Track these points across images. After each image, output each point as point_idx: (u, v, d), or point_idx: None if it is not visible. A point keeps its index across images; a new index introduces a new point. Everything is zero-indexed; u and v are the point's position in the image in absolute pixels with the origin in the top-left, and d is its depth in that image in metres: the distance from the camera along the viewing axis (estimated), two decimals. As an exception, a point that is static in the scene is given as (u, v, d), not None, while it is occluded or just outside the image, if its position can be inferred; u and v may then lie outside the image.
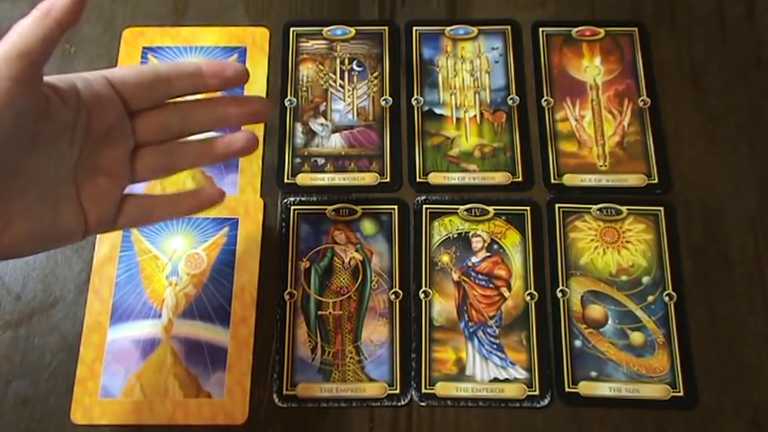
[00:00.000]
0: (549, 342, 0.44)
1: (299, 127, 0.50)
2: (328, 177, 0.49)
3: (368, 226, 0.47)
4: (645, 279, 0.45)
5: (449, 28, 0.53)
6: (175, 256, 0.46)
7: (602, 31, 0.52)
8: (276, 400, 0.43)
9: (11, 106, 0.28)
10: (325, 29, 0.53)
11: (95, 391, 0.43)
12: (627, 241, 0.46)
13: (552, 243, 0.47)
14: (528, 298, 0.45)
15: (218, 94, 0.50)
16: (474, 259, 0.46)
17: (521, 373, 0.43)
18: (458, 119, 0.50)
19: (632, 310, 0.45)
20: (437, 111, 0.50)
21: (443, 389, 0.43)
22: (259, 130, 0.50)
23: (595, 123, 0.50)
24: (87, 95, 0.33)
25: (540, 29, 0.53)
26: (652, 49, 0.52)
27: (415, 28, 0.53)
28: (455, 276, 0.46)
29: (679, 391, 0.43)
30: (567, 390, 0.43)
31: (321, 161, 0.49)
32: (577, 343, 0.44)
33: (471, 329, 0.45)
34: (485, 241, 0.47)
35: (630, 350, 0.44)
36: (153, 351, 0.44)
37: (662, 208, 0.47)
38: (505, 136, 0.50)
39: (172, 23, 0.53)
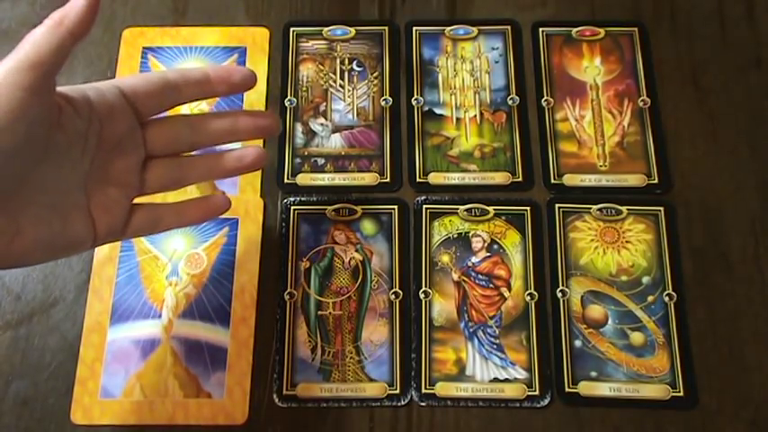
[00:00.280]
0: (549, 342, 0.44)
1: (299, 127, 0.50)
2: (328, 177, 0.49)
3: (368, 226, 0.47)
4: (645, 279, 0.45)
5: (449, 28, 0.53)
6: (175, 256, 0.46)
7: (602, 31, 0.52)
8: (276, 400, 0.43)
9: (24, 116, 0.28)
10: (325, 29, 0.53)
11: (95, 392, 0.43)
12: (627, 241, 0.46)
13: (552, 243, 0.47)
14: (528, 298, 0.45)
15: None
16: (474, 259, 0.46)
17: (521, 373, 0.43)
18: (458, 119, 0.50)
19: (632, 310, 0.45)
20: (437, 111, 0.50)
21: (443, 389, 0.43)
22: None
23: (595, 123, 0.50)
24: (99, 105, 0.33)
25: (540, 29, 0.53)
26: (652, 49, 0.52)
27: (415, 28, 0.53)
28: (455, 276, 0.46)
29: (679, 391, 0.43)
30: (567, 390, 0.43)
31: (321, 161, 0.49)
32: (577, 343, 0.44)
33: (471, 329, 0.45)
34: (485, 241, 0.47)
35: (630, 350, 0.44)
36: (153, 351, 0.44)
37: (662, 208, 0.47)
38: (505, 136, 0.50)
39: (172, 23, 0.53)
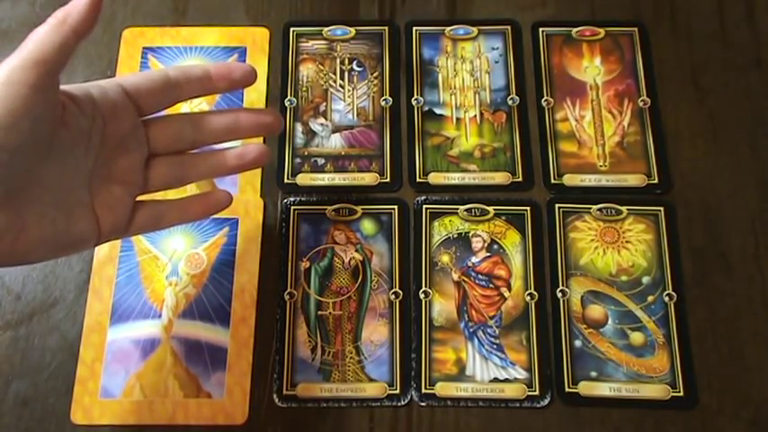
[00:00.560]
0: (549, 342, 0.44)
1: (299, 127, 0.50)
2: (328, 177, 0.49)
3: (368, 226, 0.47)
4: (645, 279, 0.45)
5: (449, 28, 0.53)
6: (175, 256, 0.46)
7: (602, 31, 0.52)
8: (276, 400, 0.43)
9: (28, 113, 0.29)
10: (325, 29, 0.53)
11: (95, 391, 0.43)
12: (627, 241, 0.46)
13: (552, 243, 0.47)
14: (528, 298, 0.45)
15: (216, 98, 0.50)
16: (474, 259, 0.46)
17: (521, 373, 0.43)
18: (458, 119, 0.50)
19: (632, 310, 0.45)
20: (437, 111, 0.50)
21: (443, 389, 0.43)
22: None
23: (595, 123, 0.50)
24: (103, 103, 0.33)
25: (540, 29, 0.53)
26: (652, 49, 0.52)
27: (415, 28, 0.53)
28: (455, 276, 0.46)
29: (679, 391, 0.43)
30: (567, 390, 0.43)
31: (321, 161, 0.49)
32: (577, 343, 0.44)
33: (471, 329, 0.45)
34: (485, 241, 0.47)
35: (630, 350, 0.44)
36: (153, 351, 0.44)
37: (662, 208, 0.47)
38: (505, 136, 0.50)
39: (172, 23, 0.53)
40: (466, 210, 0.47)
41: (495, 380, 0.43)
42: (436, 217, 0.47)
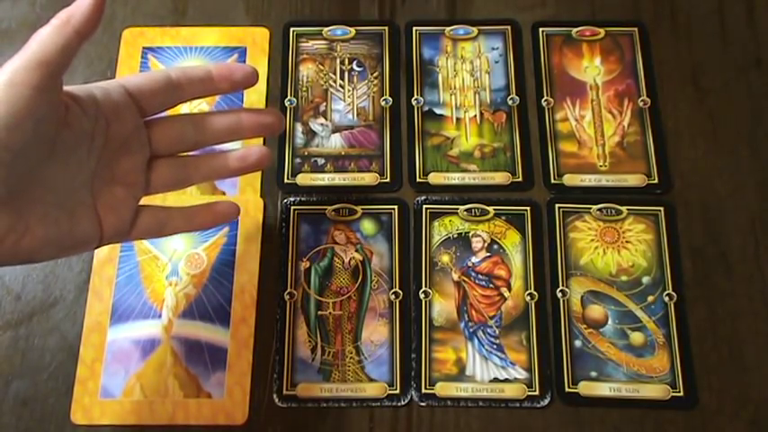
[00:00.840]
0: (549, 342, 0.44)
1: (299, 127, 0.50)
2: (328, 177, 0.49)
3: (368, 226, 0.47)
4: (645, 279, 0.45)
5: (449, 28, 0.53)
6: (175, 256, 0.46)
7: (602, 31, 0.52)
8: (276, 400, 0.43)
9: (31, 114, 0.29)
10: (326, 29, 0.53)
11: (95, 392, 0.43)
12: (627, 241, 0.46)
13: (552, 243, 0.47)
14: (528, 298, 0.45)
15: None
16: (474, 259, 0.46)
17: (521, 373, 0.43)
18: (458, 119, 0.50)
19: (632, 310, 0.45)
20: (437, 111, 0.50)
21: (443, 389, 0.43)
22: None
23: (595, 123, 0.50)
24: (106, 104, 0.33)
25: (540, 29, 0.53)
26: (652, 49, 0.52)
27: (415, 28, 0.53)
28: (455, 276, 0.46)
29: (679, 391, 0.43)
30: (567, 390, 0.43)
31: (321, 161, 0.49)
32: (577, 343, 0.44)
33: (471, 329, 0.45)
34: (485, 241, 0.47)
35: (630, 350, 0.44)
36: (153, 351, 0.44)
37: (662, 208, 0.47)
38: (505, 136, 0.50)
39: (172, 23, 0.53)
40: (466, 210, 0.47)
41: (495, 380, 0.43)
42: (436, 217, 0.47)
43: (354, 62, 0.52)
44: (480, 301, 0.45)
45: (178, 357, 0.44)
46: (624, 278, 0.46)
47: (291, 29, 0.53)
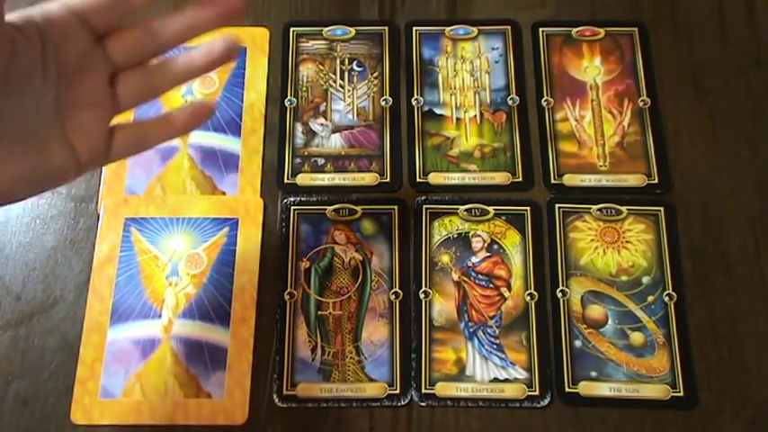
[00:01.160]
0: (549, 342, 0.44)
1: (299, 127, 0.50)
2: (328, 177, 0.49)
3: (368, 226, 0.47)
4: (645, 279, 0.45)
5: (449, 28, 0.53)
6: (175, 256, 0.46)
7: (602, 31, 0.52)
8: (276, 400, 0.43)
9: None
10: (325, 29, 0.53)
11: (95, 391, 0.43)
12: (627, 241, 0.46)
13: (552, 243, 0.47)
14: (528, 298, 0.45)
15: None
16: (474, 259, 0.46)
17: (521, 373, 0.43)
18: (458, 119, 0.50)
19: (632, 310, 0.45)
20: (437, 111, 0.50)
21: (443, 389, 0.43)
22: (259, 130, 0.50)
23: (595, 123, 0.50)
24: (50, 28, 0.31)
25: (540, 29, 0.53)
26: (652, 49, 0.52)
27: (415, 28, 0.53)
28: (455, 276, 0.46)
29: (679, 391, 0.43)
30: (567, 390, 0.43)
31: (321, 161, 0.49)
32: (577, 343, 0.44)
33: (471, 329, 0.45)
34: (485, 241, 0.47)
35: (630, 350, 0.44)
36: (153, 351, 0.44)
37: (662, 208, 0.47)
38: (505, 136, 0.50)
39: (172, 23, 0.53)
40: (466, 210, 0.47)
41: (495, 380, 0.43)
42: (436, 217, 0.47)
43: (354, 62, 0.52)
44: (480, 301, 0.45)
45: (178, 357, 0.44)
46: (624, 278, 0.46)
47: (291, 29, 0.53)
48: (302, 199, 0.48)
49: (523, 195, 0.48)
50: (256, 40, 0.52)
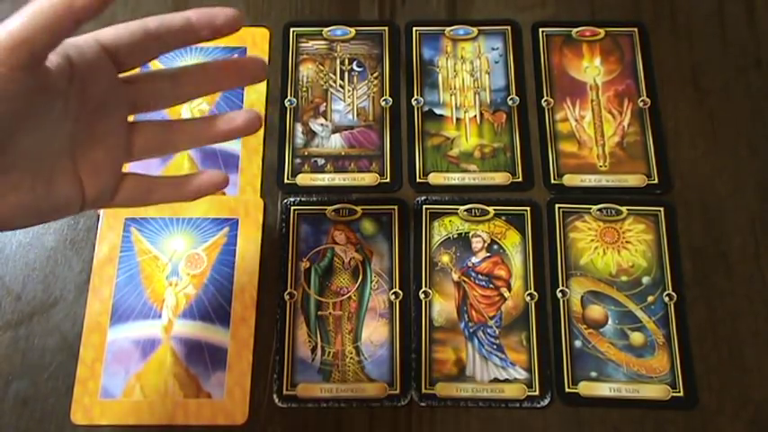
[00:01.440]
0: (549, 342, 0.44)
1: (299, 127, 0.50)
2: (328, 178, 0.49)
3: (368, 226, 0.47)
4: (645, 279, 0.45)
5: (449, 28, 0.53)
6: (175, 256, 0.46)
7: (601, 31, 0.52)
8: (276, 401, 0.43)
9: (5, 92, 0.27)
10: (325, 29, 0.53)
11: (95, 392, 0.43)
12: (627, 241, 0.46)
13: (552, 243, 0.47)
14: (528, 298, 0.45)
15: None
16: (474, 259, 0.46)
17: (521, 374, 0.43)
18: (458, 119, 0.50)
19: (632, 310, 0.45)
20: (437, 111, 0.50)
21: (443, 389, 0.43)
22: (259, 130, 0.50)
23: (595, 124, 0.50)
24: (81, 63, 0.31)
25: (540, 29, 0.53)
26: (652, 49, 0.52)
27: (415, 28, 0.53)
28: (455, 276, 0.46)
29: (679, 391, 0.43)
30: (567, 390, 0.43)
31: (321, 161, 0.49)
32: (577, 343, 0.44)
33: (471, 330, 0.45)
34: (485, 241, 0.47)
35: (630, 350, 0.44)
36: (153, 351, 0.44)
37: (662, 208, 0.47)
38: (505, 136, 0.50)
39: (172, 24, 0.53)
40: (466, 210, 0.47)
41: (495, 380, 0.43)
42: (436, 217, 0.47)
43: (354, 62, 0.52)
44: (480, 302, 0.45)
45: (178, 357, 0.44)
46: (624, 278, 0.46)
47: (291, 29, 0.53)
48: (302, 199, 0.48)
49: (523, 195, 0.48)
50: (256, 40, 0.52)
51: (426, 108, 0.51)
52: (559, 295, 0.45)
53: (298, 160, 0.49)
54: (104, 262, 0.46)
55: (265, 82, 0.51)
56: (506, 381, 0.43)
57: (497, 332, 0.44)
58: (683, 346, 0.44)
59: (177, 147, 0.37)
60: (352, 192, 0.48)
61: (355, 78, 0.52)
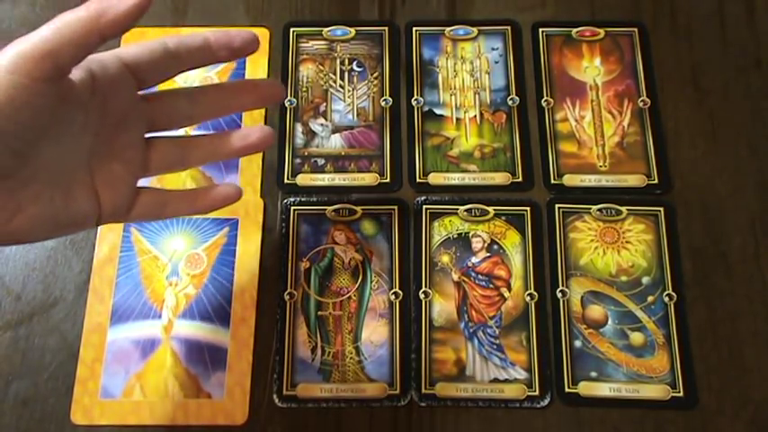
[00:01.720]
0: (549, 342, 0.44)
1: (299, 127, 0.50)
2: (328, 178, 0.49)
3: (368, 226, 0.47)
4: (645, 279, 0.45)
5: (449, 28, 0.53)
6: (175, 256, 0.46)
7: (601, 31, 0.52)
8: (276, 401, 0.43)
9: (29, 104, 0.27)
10: (325, 29, 0.53)
11: (95, 392, 0.43)
12: (627, 241, 0.46)
13: (552, 243, 0.47)
14: (528, 298, 0.45)
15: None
16: (474, 259, 0.46)
17: (521, 374, 0.43)
18: (458, 119, 0.50)
19: (632, 310, 0.45)
20: (437, 111, 0.50)
21: (443, 389, 0.43)
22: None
23: (595, 124, 0.50)
24: (103, 79, 0.32)
25: (540, 29, 0.53)
26: (652, 49, 0.52)
27: (415, 28, 0.53)
28: (455, 277, 0.46)
29: (679, 392, 0.43)
30: (566, 390, 0.43)
31: (321, 161, 0.49)
32: (577, 343, 0.44)
33: (471, 330, 0.45)
34: (485, 241, 0.47)
35: (630, 350, 0.44)
36: (153, 351, 0.44)
37: (662, 208, 0.47)
38: (505, 136, 0.50)
39: (172, 23, 0.53)
40: (466, 210, 0.47)
41: (495, 380, 0.43)
42: (436, 217, 0.47)
43: (354, 62, 0.52)
44: (480, 302, 0.45)
45: (178, 357, 0.44)
46: (624, 278, 0.46)
47: (291, 29, 0.53)
48: (302, 199, 0.48)
49: (523, 195, 0.48)
50: (256, 40, 0.52)
51: (426, 108, 0.51)
52: (559, 295, 0.45)
53: (298, 160, 0.49)
54: (104, 262, 0.46)
55: (265, 82, 0.51)
56: (506, 381, 0.43)
57: (497, 332, 0.44)
58: (683, 346, 0.44)
59: (192, 162, 0.38)
60: (352, 192, 0.48)
61: (355, 78, 0.52)
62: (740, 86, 0.51)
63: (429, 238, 0.47)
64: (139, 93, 0.35)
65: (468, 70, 0.52)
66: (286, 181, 0.49)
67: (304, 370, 0.44)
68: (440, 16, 0.53)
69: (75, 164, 0.32)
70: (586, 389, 0.43)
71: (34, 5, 0.54)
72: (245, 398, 0.43)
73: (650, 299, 0.45)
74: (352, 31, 0.53)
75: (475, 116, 0.50)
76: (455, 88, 0.51)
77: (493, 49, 0.52)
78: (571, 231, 0.47)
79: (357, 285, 0.46)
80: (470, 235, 0.47)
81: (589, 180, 0.48)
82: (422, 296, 0.45)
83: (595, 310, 0.45)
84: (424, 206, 0.48)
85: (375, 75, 0.52)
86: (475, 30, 0.53)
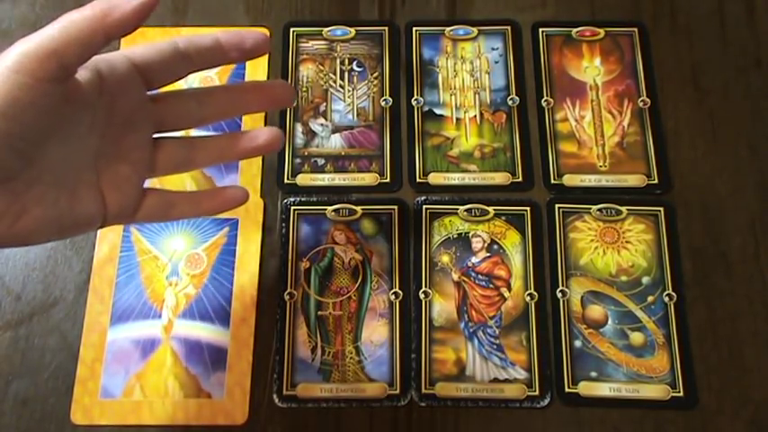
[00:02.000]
0: (549, 342, 0.44)
1: (299, 127, 0.50)
2: (328, 178, 0.49)
3: (368, 226, 0.47)
4: (645, 279, 0.45)
5: (449, 28, 0.53)
6: (175, 256, 0.46)
7: (601, 31, 0.52)
8: (276, 401, 0.43)
9: (33, 104, 0.27)
10: (325, 29, 0.53)
11: (95, 392, 0.43)
12: (627, 241, 0.46)
13: (552, 243, 0.47)
14: (528, 298, 0.45)
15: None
16: (474, 259, 0.46)
17: (521, 374, 0.43)
18: (458, 119, 0.50)
19: (632, 310, 0.45)
20: (437, 111, 0.50)
21: (443, 389, 0.43)
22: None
23: (595, 124, 0.50)
24: (111, 79, 0.31)
25: (540, 29, 0.53)
26: (652, 49, 0.52)
27: (415, 28, 0.53)
28: (455, 276, 0.46)
29: (679, 391, 0.43)
30: (566, 390, 0.43)
31: (321, 161, 0.49)
32: (577, 343, 0.44)
33: (471, 330, 0.45)
34: (485, 241, 0.47)
35: (630, 350, 0.44)
36: (153, 351, 0.44)
37: (662, 208, 0.47)
38: (505, 136, 0.50)
39: (172, 23, 0.53)
40: (466, 210, 0.47)
41: (495, 380, 0.43)
42: (436, 217, 0.47)
43: (354, 62, 0.52)
44: (480, 302, 0.45)
45: (178, 357, 0.44)
46: (624, 278, 0.46)
47: (291, 29, 0.53)
48: (302, 199, 0.48)
49: (523, 195, 0.48)
50: (256, 40, 0.52)
51: (426, 108, 0.51)
52: (559, 295, 0.45)
53: (298, 160, 0.49)
54: (104, 262, 0.46)
55: (265, 82, 0.51)
56: (506, 381, 0.43)
57: (497, 332, 0.44)
58: (683, 346, 0.44)
59: (199, 164, 0.37)
60: (352, 192, 0.48)
61: (355, 78, 0.52)
62: (740, 86, 0.51)
63: (429, 238, 0.47)
64: (148, 93, 0.34)
65: (468, 70, 0.52)
66: (286, 181, 0.49)
67: (304, 370, 0.44)
68: (440, 16, 0.53)
69: (82, 165, 0.32)
70: (586, 389, 0.43)
71: (34, 5, 0.54)
72: (245, 398, 0.43)
73: (650, 299, 0.45)
74: (352, 31, 0.53)
75: (475, 116, 0.50)
76: (455, 88, 0.51)
77: (493, 48, 0.52)
78: (571, 231, 0.47)
79: (357, 285, 0.46)
80: (470, 235, 0.47)
81: (589, 180, 0.48)
82: (422, 296, 0.45)
83: (595, 310, 0.45)
84: (424, 206, 0.48)
85: (375, 75, 0.52)
86: (475, 30, 0.53)
